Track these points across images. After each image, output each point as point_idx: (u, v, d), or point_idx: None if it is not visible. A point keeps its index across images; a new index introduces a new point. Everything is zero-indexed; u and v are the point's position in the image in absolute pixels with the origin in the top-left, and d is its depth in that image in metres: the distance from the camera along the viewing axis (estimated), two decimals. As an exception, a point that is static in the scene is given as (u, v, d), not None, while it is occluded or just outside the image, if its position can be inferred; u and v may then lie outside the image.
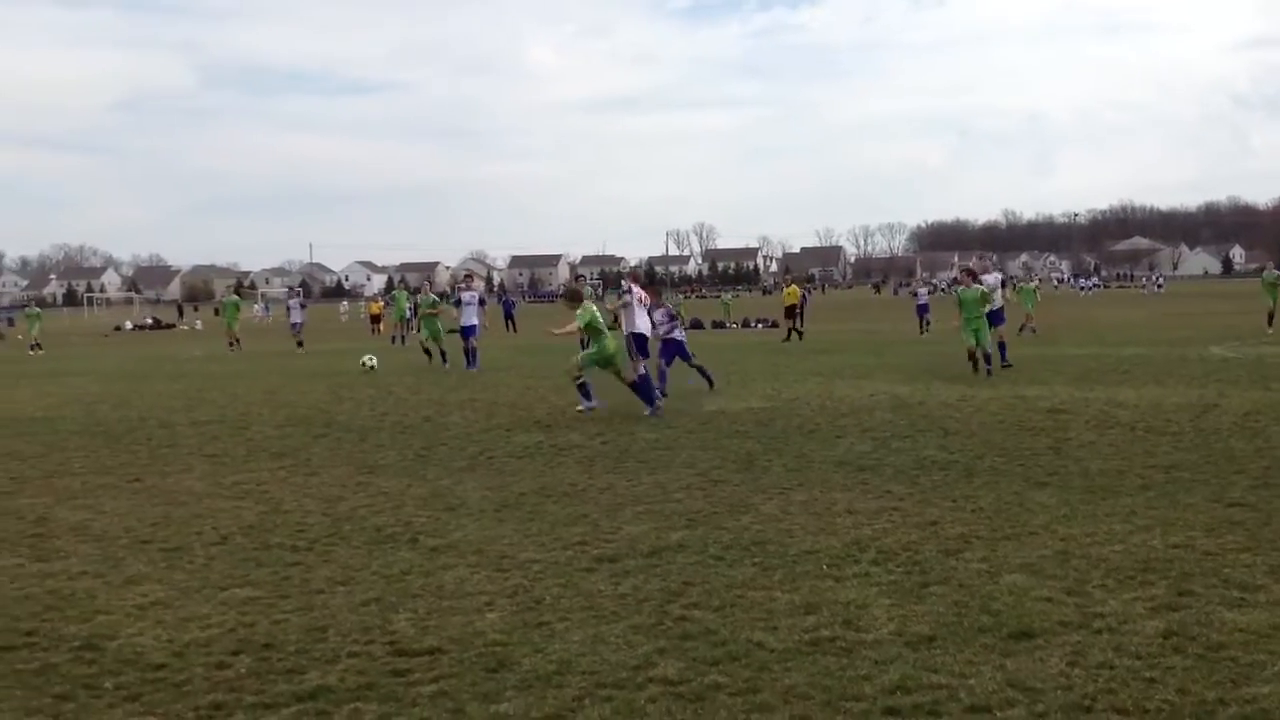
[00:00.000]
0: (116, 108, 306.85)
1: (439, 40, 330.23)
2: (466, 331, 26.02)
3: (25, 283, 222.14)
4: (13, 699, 5.63)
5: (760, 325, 48.60)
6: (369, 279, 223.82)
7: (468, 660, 5.98)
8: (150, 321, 77.00)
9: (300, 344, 37.94)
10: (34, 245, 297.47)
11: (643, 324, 18.12)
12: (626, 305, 18.36)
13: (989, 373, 20.27)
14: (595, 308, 17.36)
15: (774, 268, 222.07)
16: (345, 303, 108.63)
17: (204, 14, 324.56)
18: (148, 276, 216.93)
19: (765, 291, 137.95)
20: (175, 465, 12.94)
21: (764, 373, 23.19)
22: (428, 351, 27.73)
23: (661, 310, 19.01)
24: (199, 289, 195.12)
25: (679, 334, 19.31)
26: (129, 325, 72.07)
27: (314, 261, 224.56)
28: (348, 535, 9.13)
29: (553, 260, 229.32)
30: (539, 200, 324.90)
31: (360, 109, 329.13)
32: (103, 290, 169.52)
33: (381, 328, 52.40)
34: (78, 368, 31.90)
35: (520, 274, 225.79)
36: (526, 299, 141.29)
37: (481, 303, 28.01)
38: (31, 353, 40.83)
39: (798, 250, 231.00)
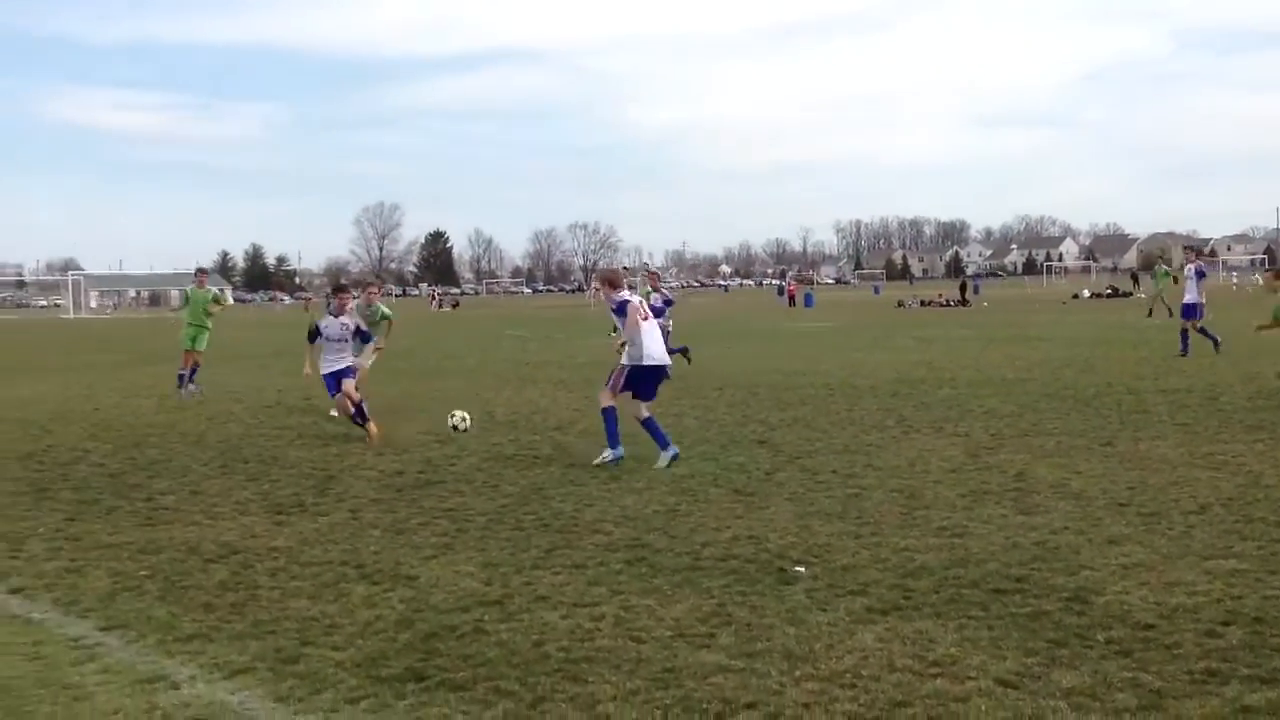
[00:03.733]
0: (1085, 79, 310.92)
1: None
2: None
3: (989, 252, 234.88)
4: (1010, 638, 6.02)
5: None
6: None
7: None
8: (1108, 290, 77.37)
9: None
10: (997, 217, 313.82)
11: None
12: None
13: None
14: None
15: None
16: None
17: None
18: (1104, 245, 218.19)
19: None
20: (1147, 432, 12.91)
21: None
22: None
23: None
24: (1155, 257, 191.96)
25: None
26: (1086, 294, 73.02)
27: (1279, 228, 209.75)
28: (1340, 517, 8.46)
29: None
30: None
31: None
32: (1060, 259, 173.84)
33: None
34: (1041, 334, 33.04)
35: None
36: None
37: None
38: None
39: None
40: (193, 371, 21.16)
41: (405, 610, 6.88)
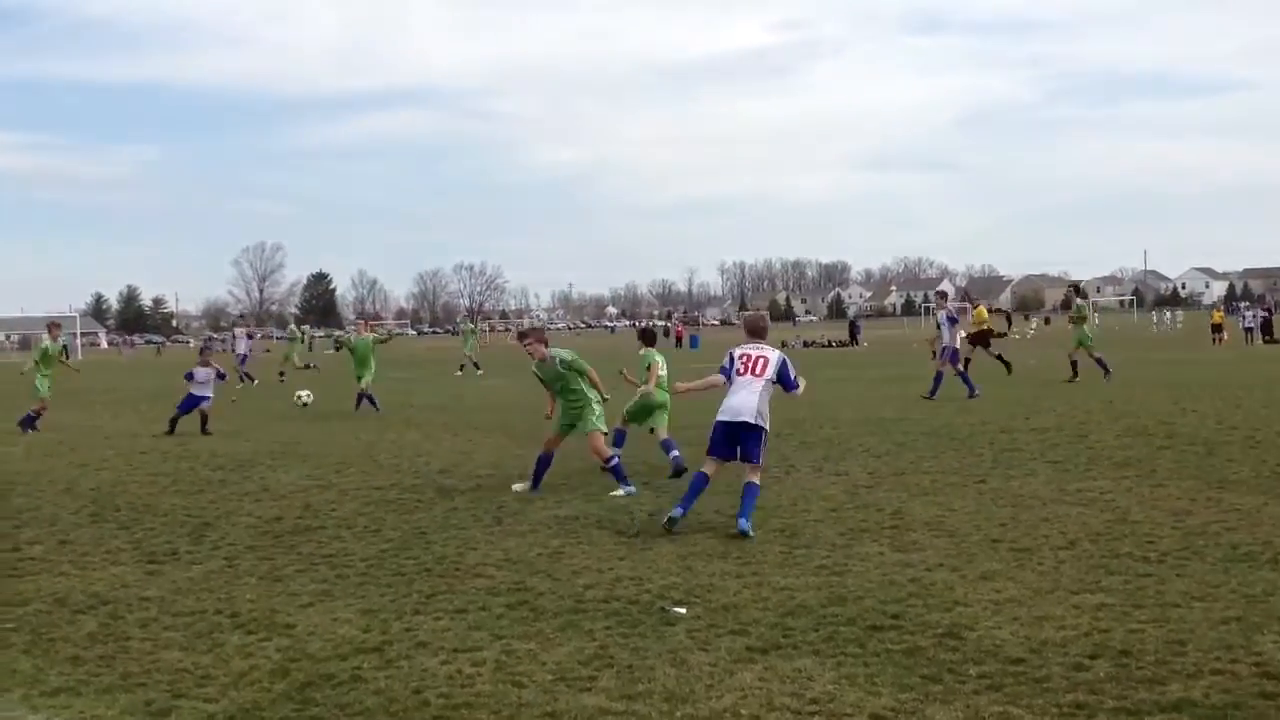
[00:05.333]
0: (960, 125, 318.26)
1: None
2: None
3: (869, 293, 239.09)
4: (886, 675, 6.12)
5: None
6: (1207, 286, 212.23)
7: (1350, 694, 5.49)
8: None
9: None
10: (877, 259, 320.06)
11: None
12: None
13: None
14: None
15: None
16: (1179, 312, 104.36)
17: (1048, 29, 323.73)
18: (979, 286, 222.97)
19: None
20: (1019, 469, 13.23)
21: None
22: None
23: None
24: (1029, 299, 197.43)
25: None
26: (961, 334, 74.57)
27: (1148, 269, 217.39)
28: (1201, 550, 8.78)
29: None
30: None
31: (1204, 111, 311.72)
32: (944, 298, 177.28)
33: (1223, 338, 49.14)
34: (918, 373, 33.64)
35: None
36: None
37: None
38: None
39: None
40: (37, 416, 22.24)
41: (281, 660, 6.75)
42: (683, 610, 7.50)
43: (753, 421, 10.26)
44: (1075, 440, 15.70)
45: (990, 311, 34.23)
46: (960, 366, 24.04)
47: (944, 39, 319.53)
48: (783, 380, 10.51)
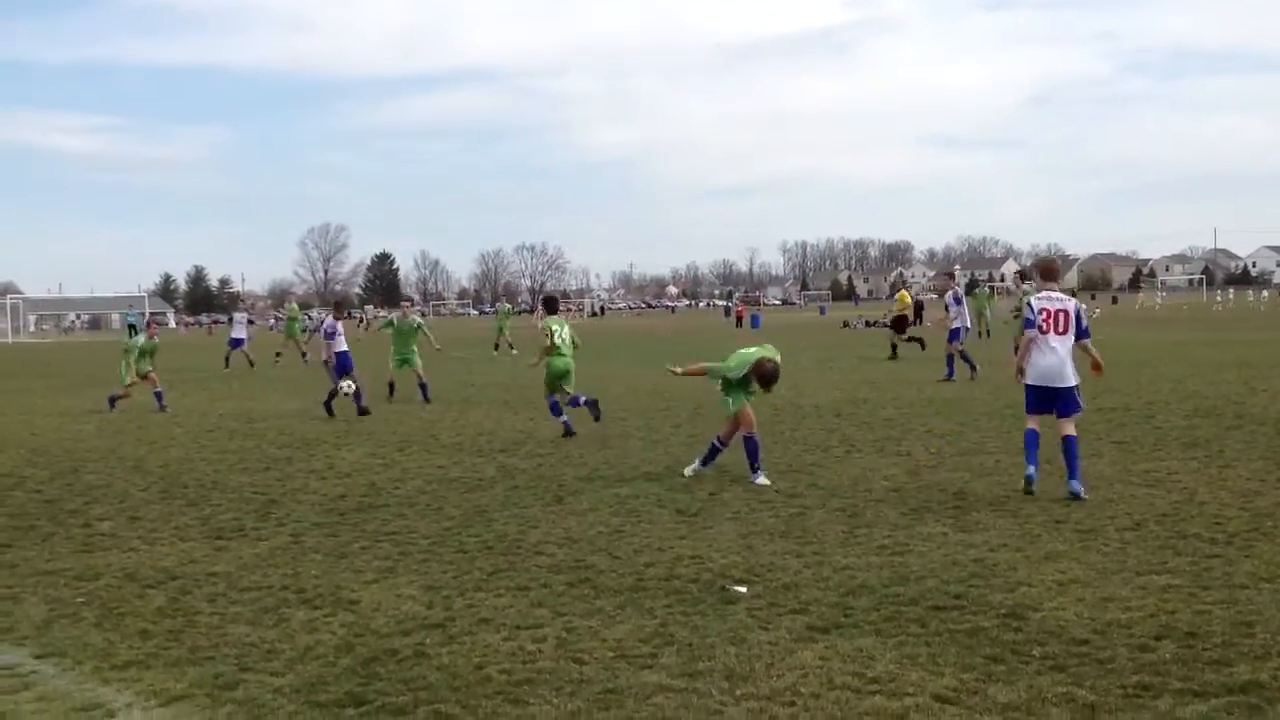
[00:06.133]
0: (1028, 102, 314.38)
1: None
2: None
3: (932, 273, 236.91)
4: (948, 655, 6.09)
5: None
6: (1279, 265, 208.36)
7: None
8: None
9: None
10: (940, 238, 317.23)
11: None
12: None
13: None
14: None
15: None
16: (1265, 293, 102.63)
17: (1118, 3, 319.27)
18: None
19: None
20: (1084, 449, 12.65)
21: None
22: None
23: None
24: (1095, 278, 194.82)
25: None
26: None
27: (1219, 248, 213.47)
28: (1269, 532, 8.66)
29: None
30: None
31: (1276, 86, 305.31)
32: (1002, 279, 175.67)
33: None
34: (982, 354, 33.36)
35: None
36: None
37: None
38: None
39: None
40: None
41: (346, 635, 6.84)
42: (743, 589, 7.50)
43: (1069, 386, 10.53)
44: (1142, 421, 15.49)
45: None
46: (959, 346, 23.72)
47: (1012, 14, 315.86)
48: (1080, 332, 10.66)
